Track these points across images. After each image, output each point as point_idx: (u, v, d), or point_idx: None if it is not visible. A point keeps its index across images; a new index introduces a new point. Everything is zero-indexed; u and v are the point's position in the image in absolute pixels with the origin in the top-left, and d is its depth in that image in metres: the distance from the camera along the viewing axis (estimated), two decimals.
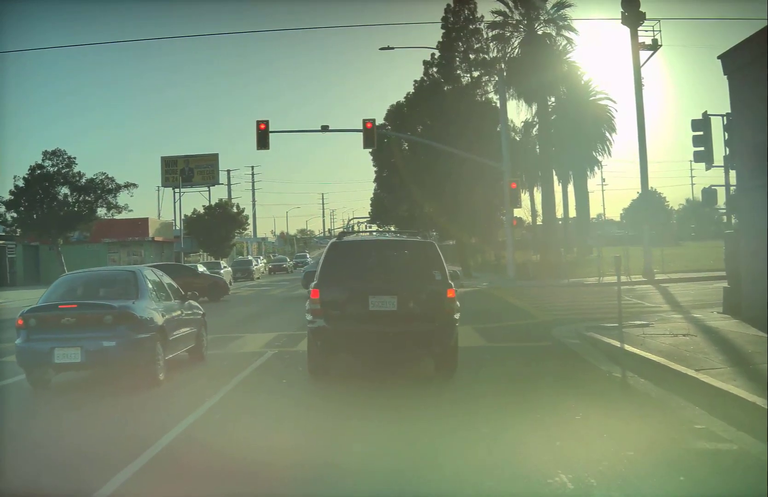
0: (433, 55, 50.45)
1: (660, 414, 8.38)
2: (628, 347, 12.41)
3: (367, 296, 10.03)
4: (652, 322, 15.52)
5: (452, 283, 10.32)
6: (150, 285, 10.95)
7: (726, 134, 19.07)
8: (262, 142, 33.19)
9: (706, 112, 19.50)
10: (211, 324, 19.94)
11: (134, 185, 46.57)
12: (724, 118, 19.45)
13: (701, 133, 19.59)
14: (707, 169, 19.61)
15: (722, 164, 19.59)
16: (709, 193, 19.30)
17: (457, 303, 10.35)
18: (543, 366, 11.72)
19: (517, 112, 77.68)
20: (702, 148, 19.60)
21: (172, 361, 11.45)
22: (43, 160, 45.18)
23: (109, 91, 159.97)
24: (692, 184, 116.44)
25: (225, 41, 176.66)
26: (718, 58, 17.44)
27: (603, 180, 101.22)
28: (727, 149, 19.00)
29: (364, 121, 33.09)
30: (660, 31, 35.85)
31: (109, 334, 9.68)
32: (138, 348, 9.88)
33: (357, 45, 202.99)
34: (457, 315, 10.35)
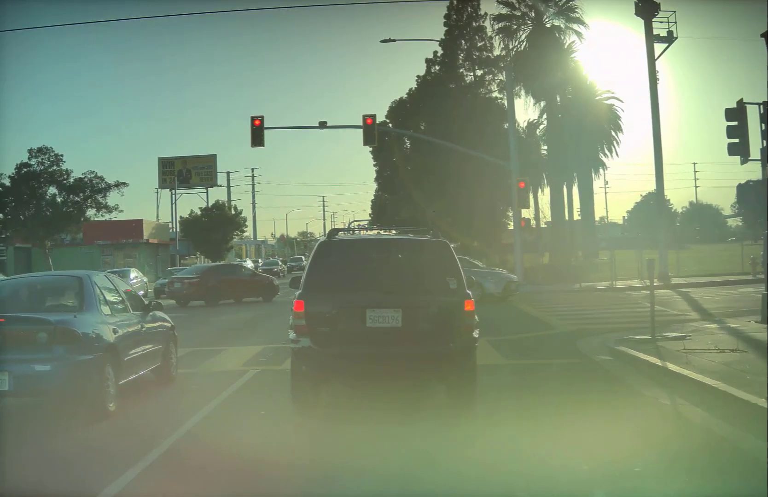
0: (435, 52, 49.38)
1: (741, 465, 6.50)
2: (671, 366, 10.57)
3: (365, 309, 8.08)
4: (689, 334, 13.63)
5: (470, 293, 8.37)
6: (100, 294, 9.02)
7: (763, 124, 17.24)
8: (257, 138, 31.80)
9: (741, 99, 17.61)
10: (194, 335, 18.29)
11: (124, 184, 44.82)
12: (761, 106, 17.62)
13: (736, 123, 17.68)
14: (742, 163, 17.70)
15: (759, 157, 17.67)
16: (746, 188, 17.37)
17: (476, 317, 8.42)
18: (575, 390, 9.82)
19: (525, 109, 75.86)
20: (737, 140, 17.69)
21: (133, 384, 9.56)
22: (29, 158, 43.40)
23: (106, 92, 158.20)
24: (696, 187, 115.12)
25: (224, 42, 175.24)
26: (762, 36, 15.59)
27: (606, 182, 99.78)
28: (765, 141, 17.16)
29: (364, 117, 31.55)
30: (675, 22, 34.12)
31: (43, 356, 7.76)
32: (80, 373, 7.95)
33: (358, 42, 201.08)
34: (476, 333, 8.38)
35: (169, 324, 11.07)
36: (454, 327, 8.17)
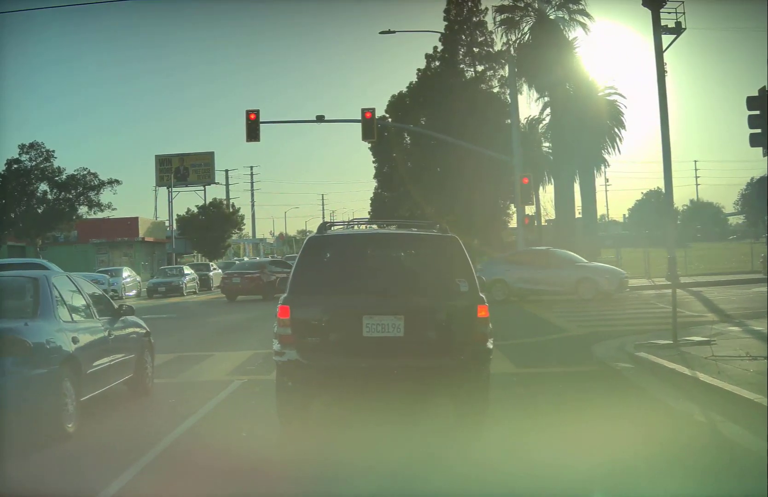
0: (435, 48, 48.73)
1: None
2: (702, 376, 9.52)
3: (361, 316, 6.95)
4: (713, 338, 12.55)
5: (484, 297, 7.24)
6: (59, 298, 7.92)
7: None
8: (253, 133, 30.97)
9: (764, 87, 16.49)
10: (185, 338, 17.29)
11: (117, 182, 43.81)
12: None
13: (758, 112, 16.58)
14: (765, 154, 16.60)
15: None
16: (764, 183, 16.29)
17: (491, 325, 7.30)
18: (598, 404, 8.76)
19: (527, 104, 74.73)
20: (759, 130, 16.58)
21: (102, 399, 8.49)
22: (19, 154, 42.34)
23: (103, 91, 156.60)
24: (697, 185, 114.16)
25: (222, 39, 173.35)
26: None
27: (607, 180, 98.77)
28: None
29: (363, 111, 30.64)
30: (684, 12, 33.12)
31: None
32: (31, 390, 6.84)
33: (357, 40, 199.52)
34: (490, 343, 7.23)
35: (143, 331, 9.96)
36: (466, 336, 7.04)
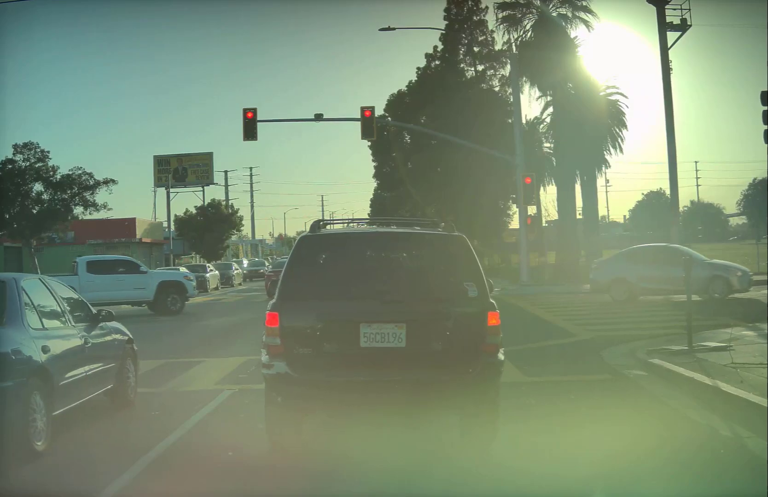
0: (435, 47, 48.45)
1: None
2: (724, 386, 8.90)
3: (358, 324, 6.27)
4: (730, 344, 11.92)
5: (494, 303, 6.56)
6: (28, 303, 7.25)
7: None
8: (250, 131, 30.61)
9: None
10: (178, 341, 16.74)
11: (113, 181, 43.12)
12: None
13: None
14: None
15: None
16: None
17: (501, 334, 6.59)
18: (614, 418, 8.13)
19: (528, 103, 74.07)
20: None
21: (78, 411, 7.85)
22: (14, 154, 41.62)
23: (101, 90, 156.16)
24: (697, 186, 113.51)
25: (221, 39, 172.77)
26: None
27: (607, 181, 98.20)
28: None
29: (362, 109, 30.19)
30: (689, 9, 32.54)
31: None
32: None
33: (356, 39, 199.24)
34: (501, 354, 6.54)
35: (125, 337, 9.30)
36: (474, 347, 6.35)
